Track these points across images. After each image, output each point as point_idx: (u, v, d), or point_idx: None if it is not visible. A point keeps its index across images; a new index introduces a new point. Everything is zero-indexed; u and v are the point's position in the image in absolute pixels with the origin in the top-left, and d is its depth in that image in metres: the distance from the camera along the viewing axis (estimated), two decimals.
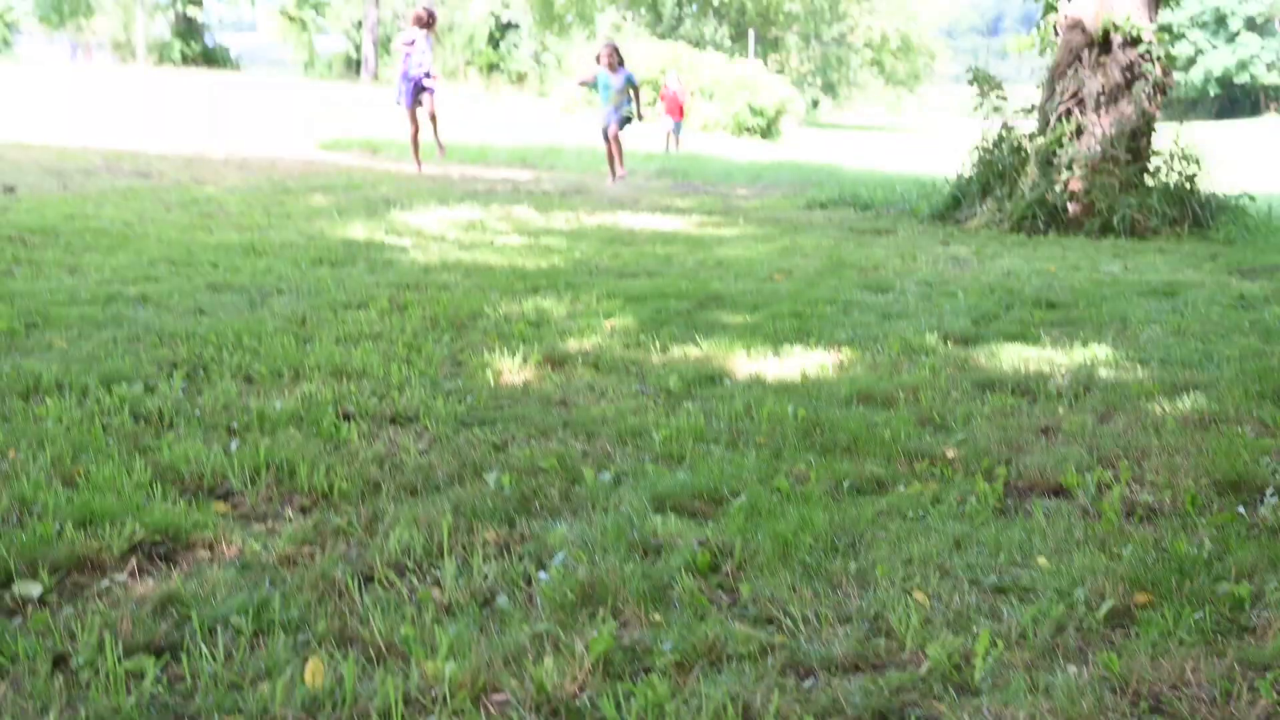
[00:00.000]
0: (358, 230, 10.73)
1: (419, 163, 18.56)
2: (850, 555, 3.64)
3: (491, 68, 69.14)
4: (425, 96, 17.34)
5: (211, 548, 3.61)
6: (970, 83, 14.59)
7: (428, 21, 17.40)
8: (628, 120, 19.23)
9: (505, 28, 69.65)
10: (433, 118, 17.62)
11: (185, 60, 49.89)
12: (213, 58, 51.91)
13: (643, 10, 65.20)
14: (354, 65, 68.64)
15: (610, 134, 18.96)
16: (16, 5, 51.21)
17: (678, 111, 31.39)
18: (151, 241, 9.47)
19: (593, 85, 19.06)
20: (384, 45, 68.21)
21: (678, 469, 4.45)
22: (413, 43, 17.16)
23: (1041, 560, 3.62)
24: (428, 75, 17.25)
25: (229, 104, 30.95)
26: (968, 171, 14.19)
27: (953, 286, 8.90)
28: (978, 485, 4.26)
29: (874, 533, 3.83)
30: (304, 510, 3.97)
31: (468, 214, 12.44)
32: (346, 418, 4.94)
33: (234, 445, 4.49)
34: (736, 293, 8.31)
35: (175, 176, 15.18)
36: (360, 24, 66.40)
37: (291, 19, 56.91)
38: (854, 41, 68.28)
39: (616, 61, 18.60)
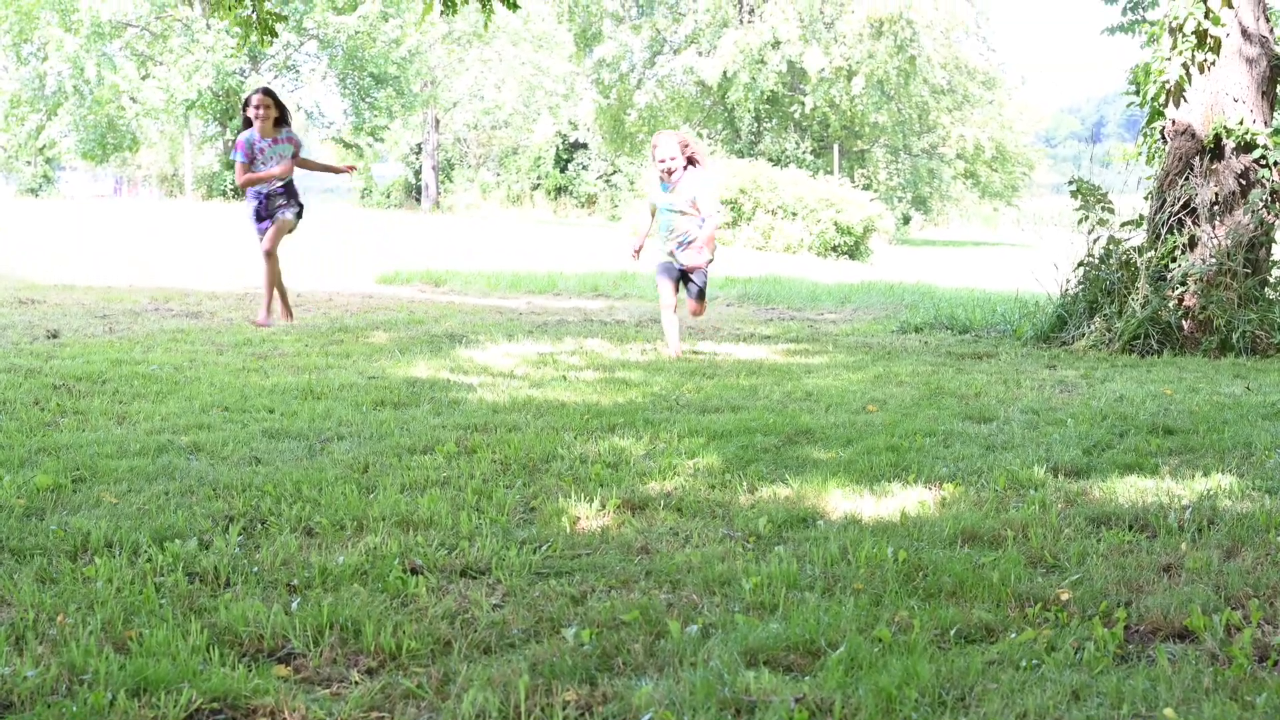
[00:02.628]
0: (421, 369, 10.81)
1: (267, 310, 14.48)
2: (959, 710, 3.62)
3: (559, 191, 69.87)
4: (278, 216, 14.25)
5: (273, 715, 3.63)
6: (1073, 194, 14.59)
7: (276, 113, 14.29)
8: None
9: (573, 148, 70.46)
10: (268, 254, 14.27)
11: (236, 193, 50.61)
12: None
13: (719, 126, 65.76)
14: (414, 192, 69.50)
15: (691, 307, 12.90)
16: (59, 140, 52.20)
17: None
18: (203, 386, 9.58)
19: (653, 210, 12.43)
20: (445, 171, 69.13)
21: (770, 619, 4.44)
22: (261, 149, 14.16)
23: (1168, 712, 3.58)
24: (282, 193, 14.31)
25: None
26: (1073, 289, 14.15)
27: (1061, 414, 8.86)
28: (1095, 630, 4.23)
29: (984, 685, 3.80)
30: (371, 672, 3.98)
31: (537, 348, 12.52)
32: (414, 571, 4.96)
33: (295, 604, 4.53)
34: (827, 426, 8.31)
35: (227, 316, 15.38)
36: (420, 149, 67.29)
37: (347, 146, 57.63)
38: (945, 153, 68.44)
39: (679, 159, 12.08)
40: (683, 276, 12.39)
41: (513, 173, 70.58)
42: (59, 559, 5.03)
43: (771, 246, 39.51)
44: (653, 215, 12.46)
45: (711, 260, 12.44)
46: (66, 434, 7.62)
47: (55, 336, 12.43)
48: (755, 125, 64.93)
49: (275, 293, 14.56)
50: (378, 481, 6.49)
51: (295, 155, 14.41)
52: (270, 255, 14.25)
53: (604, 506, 6.02)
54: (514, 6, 14.43)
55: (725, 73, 61.50)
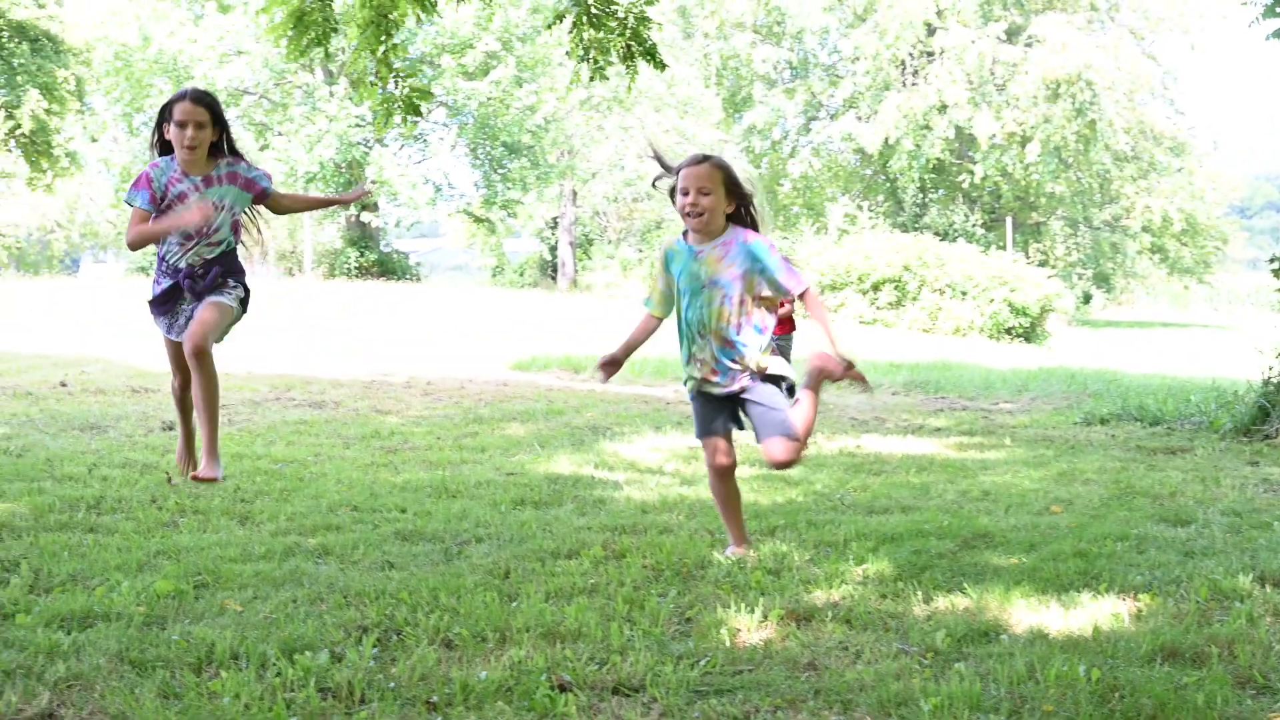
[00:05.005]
0: (563, 464, 10.87)
1: (211, 454, 9.35)
2: None
3: None
4: (203, 308, 9.34)
5: None
6: (1275, 272, 14.43)
7: (214, 135, 9.37)
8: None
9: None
10: (197, 354, 9.18)
11: (359, 271, 51.27)
12: (390, 267, 53.21)
13: (880, 197, 65.78)
14: (549, 270, 69.94)
15: (778, 452, 7.89)
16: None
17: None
18: (330, 483, 9.70)
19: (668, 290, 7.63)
20: (583, 247, 69.55)
21: None
22: (178, 193, 9.32)
23: None
24: (216, 268, 9.43)
25: (410, 319, 31.75)
26: (1276, 376, 13.97)
27: (1267, 516, 8.74)
28: None
29: None
30: None
31: (687, 441, 12.53)
32: (562, 689, 4.97)
33: None
34: (1008, 529, 8.25)
35: (352, 406, 15.54)
36: (555, 223, 67.72)
37: (478, 220, 58.17)
38: (1130, 225, 67.94)
39: (717, 198, 7.37)
40: (739, 407, 7.61)
41: (655, 248, 70.88)
42: (182, 672, 5.09)
43: (939, 328, 39.37)
44: (660, 301, 7.62)
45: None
46: (187, 535, 7.73)
47: (171, 429, 12.62)
48: (920, 196, 64.94)
49: (202, 424, 9.40)
50: (520, 589, 6.52)
51: (260, 197, 9.60)
52: (201, 355, 9.14)
53: (766, 617, 6.00)
54: (661, 66, 14.52)
55: (887, 140, 61.63)
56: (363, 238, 54.37)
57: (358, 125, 50.11)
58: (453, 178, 58.83)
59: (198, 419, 9.53)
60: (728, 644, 5.62)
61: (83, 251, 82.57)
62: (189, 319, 9.40)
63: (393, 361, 22.96)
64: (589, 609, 6.05)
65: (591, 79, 14.11)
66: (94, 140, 53.24)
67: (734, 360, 7.38)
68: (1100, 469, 11.18)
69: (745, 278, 7.32)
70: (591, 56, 13.67)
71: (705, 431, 7.71)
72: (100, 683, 4.95)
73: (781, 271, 7.33)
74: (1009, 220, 61.39)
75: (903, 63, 64.18)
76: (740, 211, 7.47)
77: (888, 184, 65.97)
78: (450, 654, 5.44)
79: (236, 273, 9.59)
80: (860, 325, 39.15)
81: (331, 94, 50.06)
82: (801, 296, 7.37)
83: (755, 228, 7.51)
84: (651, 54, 13.92)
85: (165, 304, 9.58)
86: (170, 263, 9.47)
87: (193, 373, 9.29)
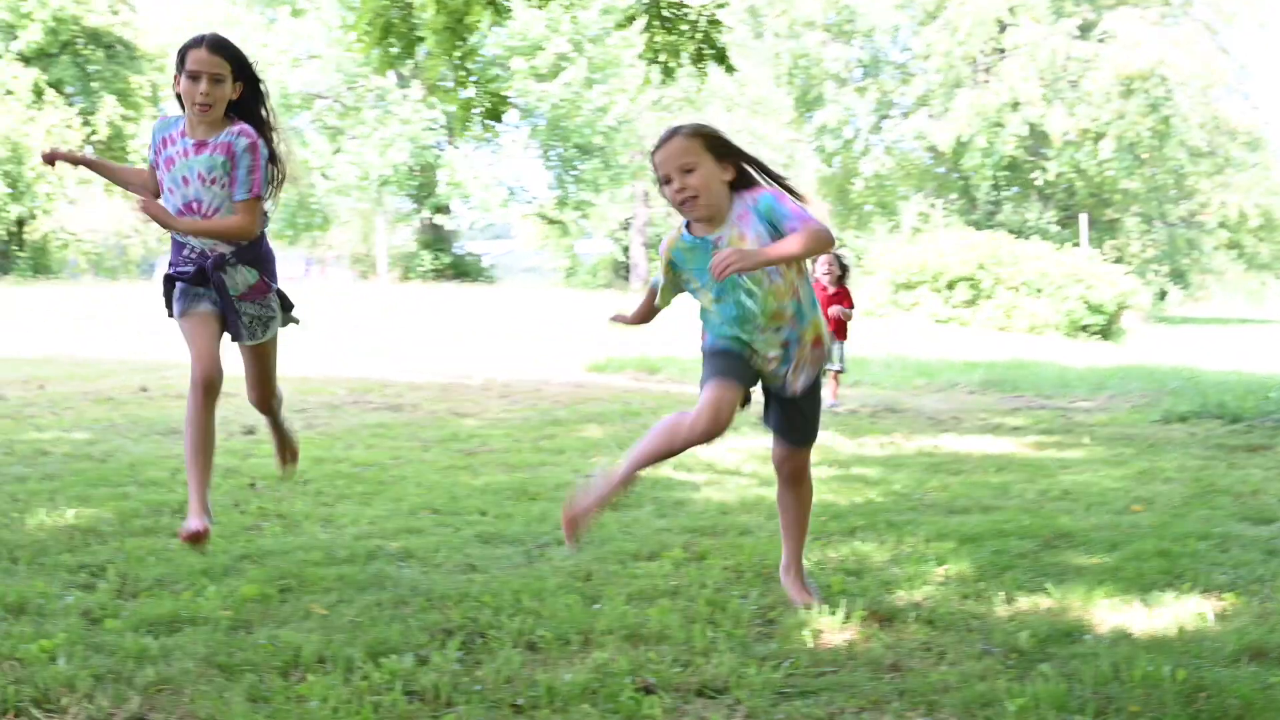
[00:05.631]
0: None
1: (200, 508, 6.91)
2: None
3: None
4: (249, 362, 7.79)
5: None
6: None
7: (234, 92, 7.16)
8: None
9: None
10: (261, 383, 7.88)
11: (433, 274, 51.44)
12: (464, 269, 53.39)
13: (953, 196, 65.51)
14: (622, 270, 69.98)
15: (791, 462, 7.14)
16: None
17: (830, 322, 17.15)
18: (410, 486, 9.74)
19: (676, 287, 6.50)
20: (655, 247, 69.49)
21: None
22: (172, 153, 7.17)
23: None
24: (245, 255, 7.26)
25: (485, 321, 31.83)
26: None
27: None
28: None
29: None
30: None
31: (765, 441, 12.50)
32: (647, 691, 4.98)
33: None
34: (1089, 528, 8.21)
35: (430, 409, 15.59)
36: (628, 224, 67.75)
37: (551, 222, 58.38)
38: (1206, 221, 67.46)
39: (705, 171, 6.02)
40: (776, 400, 6.56)
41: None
42: (270, 676, 5.13)
43: (1014, 326, 39.17)
44: (664, 294, 6.56)
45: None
46: (270, 539, 7.78)
47: (252, 433, 12.69)
48: (993, 194, 64.65)
49: (200, 477, 7.08)
50: (602, 591, 6.54)
51: (251, 191, 7.10)
52: (268, 410, 8.18)
53: (848, 618, 5.99)
54: (731, 70, 14.53)
55: (959, 137, 61.38)
56: (437, 240, 54.59)
57: (430, 128, 50.31)
58: (525, 180, 58.70)
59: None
60: (810, 645, 5.63)
61: (158, 256, 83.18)
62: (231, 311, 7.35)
63: (469, 363, 23.04)
64: (671, 611, 6.07)
65: (663, 82, 14.11)
66: None
67: (806, 334, 6.18)
68: (1180, 467, 11.11)
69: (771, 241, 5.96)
70: (662, 59, 13.69)
71: (716, 373, 6.17)
72: (189, 687, 4.99)
73: (791, 222, 5.90)
74: (1083, 217, 60.93)
75: (975, 60, 63.92)
76: (742, 175, 6.09)
77: (961, 182, 65.70)
78: (534, 656, 5.47)
79: (266, 260, 7.40)
80: (935, 323, 39.00)
81: (404, 97, 50.27)
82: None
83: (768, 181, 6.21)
84: (722, 57, 13.93)
85: (190, 294, 7.36)
86: (194, 246, 7.26)
87: (264, 417, 8.35)
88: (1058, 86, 61.73)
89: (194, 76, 7.07)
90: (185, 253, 7.33)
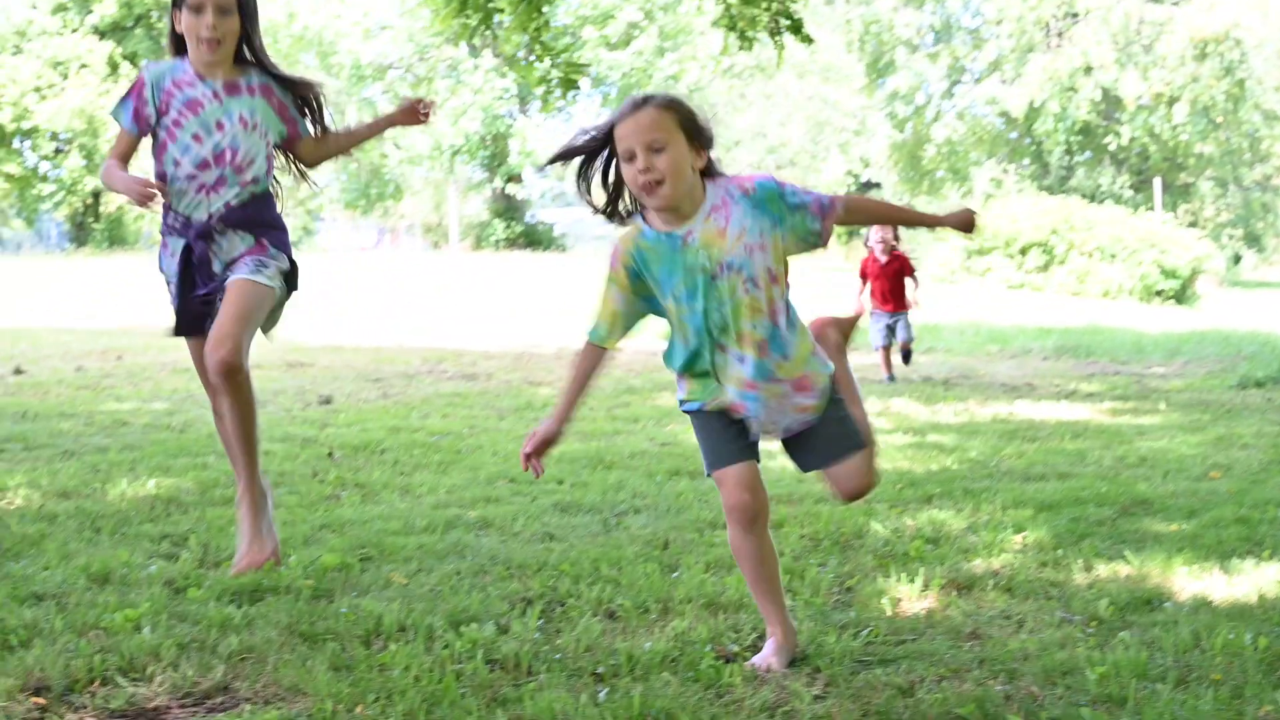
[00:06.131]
0: None
1: (252, 536, 6.48)
2: None
3: (851, 234, 69.81)
4: (228, 295, 6.40)
5: None
6: None
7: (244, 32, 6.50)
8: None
9: (865, 187, 70.34)
10: (226, 370, 6.33)
11: (505, 242, 51.48)
12: (536, 238, 53.39)
13: (1026, 161, 65.11)
14: None
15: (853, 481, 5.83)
16: (321, 190, 53.75)
17: (888, 295, 16.52)
18: (486, 455, 9.79)
19: (635, 309, 5.24)
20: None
21: (1120, 714, 4.38)
22: (185, 102, 6.45)
23: None
24: (244, 219, 6.51)
25: (558, 289, 31.86)
26: None
27: None
28: None
29: None
30: None
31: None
32: (727, 659, 4.99)
33: (602, 694, 4.59)
34: (1166, 495, 8.18)
35: (504, 378, 15.65)
36: None
37: None
38: None
39: (675, 152, 4.96)
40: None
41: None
42: (352, 645, 5.16)
43: (1087, 292, 38.91)
44: (616, 326, 5.20)
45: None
46: (349, 509, 7.83)
47: (328, 402, 12.78)
48: (1066, 159, 64.14)
49: (238, 471, 6.61)
50: (679, 559, 6.55)
51: (291, 139, 6.70)
52: (230, 373, 6.36)
53: (927, 587, 5.99)
54: (807, 39, 14.48)
55: (1032, 102, 60.87)
56: (508, 209, 54.62)
57: (501, 98, 50.34)
58: None
59: (231, 462, 6.68)
60: (889, 614, 5.63)
61: None
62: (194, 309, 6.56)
63: (542, 332, 23.09)
64: None
65: (740, 48, 14.07)
66: None
67: (780, 369, 5.05)
68: (1258, 433, 11.04)
69: (766, 243, 4.99)
70: (739, 28, 13.66)
71: (721, 460, 5.15)
72: (272, 655, 5.03)
73: (803, 197, 5.04)
74: (1157, 181, 60.48)
75: (1047, 24, 63.42)
76: (711, 165, 5.11)
77: (1033, 147, 65.19)
78: (614, 625, 5.49)
79: (272, 228, 6.58)
80: (1008, 289, 38.82)
81: (476, 67, 50.31)
82: (830, 208, 5.04)
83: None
84: (798, 28, 13.89)
85: (187, 280, 6.53)
86: (180, 211, 6.44)
87: (220, 395, 6.54)
88: (1131, 50, 61.19)
89: (197, 8, 6.32)
90: (170, 220, 6.51)
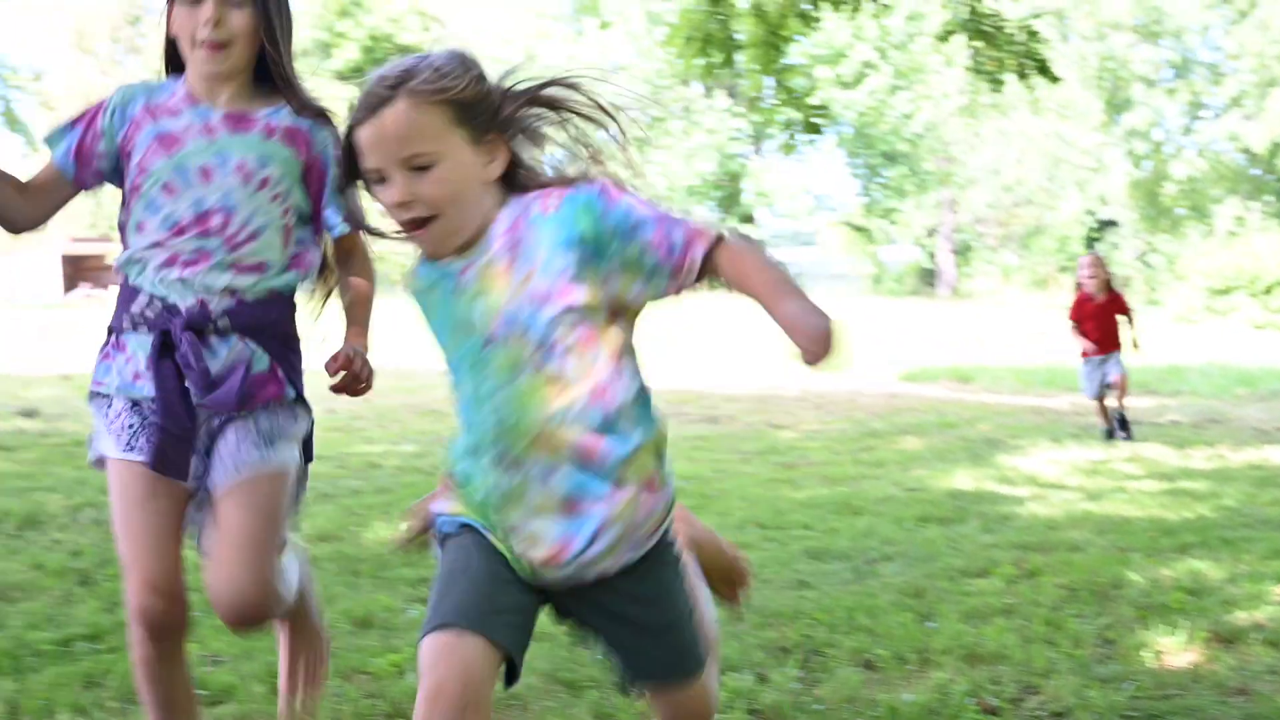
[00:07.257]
0: (963, 479, 10.80)
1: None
2: None
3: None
4: (234, 504, 3.92)
5: None
6: None
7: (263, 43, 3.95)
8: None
9: (1103, 226, 69.28)
10: (244, 622, 3.97)
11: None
12: None
13: (1269, 198, 63.79)
14: (928, 278, 69.41)
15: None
16: None
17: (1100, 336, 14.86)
18: (734, 500, 9.80)
19: None
20: (962, 255, 68.84)
21: None
22: (172, 133, 3.92)
23: None
24: (252, 317, 3.95)
25: None
26: None
27: None
28: None
29: None
30: None
31: (1087, 454, 12.35)
32: (990, 712, 4.95)
33: None
34: None
35: (746, 420, 15.67)
36: (933, 231, 67.22)
37: (857, 229, 58.22)
38: None
39: (445, 148, 3.18)
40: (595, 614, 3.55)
41: (1037, 254, 69.71)
42: (611, 693, 5.18)
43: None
44: None
45: None
46: None
47: None
48: None
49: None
50: (935, 609, 6.50)
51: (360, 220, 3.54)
52: (259, 622, 4.07)
53: (1190, 640, 5.87)
54: (1054, 79, 14.35)
55: (1275, 139, 59.72)
56: None
57: (735, 138, 50.52)
58: (830, 187, 58.75)
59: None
60: (1153, 667, 5.53)
61: None
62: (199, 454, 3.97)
63: (783, 374, 23.06)
64: (1008, 630, 6.00)
65: (992, 90, 13.98)
66: None
67: (601, 487, 3.25)
68: None
69: (580, 286, 3.23)
70: (988, 70, 13.58)
71: (452, 614, 3.28)
72: (535, 703, 5.08)
73: (643, 230, 3.25)
74: None
75: None
76: (517, 164, 3.34)
77: (1277, 184, 63.91)
78: (872, 675, 5.46)
79: (292, 350, 4.14)
80: (1254, 329, 38.04)
81: (710, 107, 50.57)
82: (711, 256, 3.31)
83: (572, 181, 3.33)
84: (1045, 68, 13.78)
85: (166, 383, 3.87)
86: (151, 291, 3.95)
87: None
88: None
89: None
90: (135, 308, 3.97)
